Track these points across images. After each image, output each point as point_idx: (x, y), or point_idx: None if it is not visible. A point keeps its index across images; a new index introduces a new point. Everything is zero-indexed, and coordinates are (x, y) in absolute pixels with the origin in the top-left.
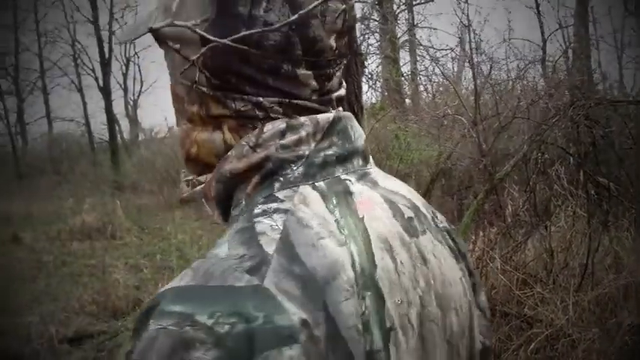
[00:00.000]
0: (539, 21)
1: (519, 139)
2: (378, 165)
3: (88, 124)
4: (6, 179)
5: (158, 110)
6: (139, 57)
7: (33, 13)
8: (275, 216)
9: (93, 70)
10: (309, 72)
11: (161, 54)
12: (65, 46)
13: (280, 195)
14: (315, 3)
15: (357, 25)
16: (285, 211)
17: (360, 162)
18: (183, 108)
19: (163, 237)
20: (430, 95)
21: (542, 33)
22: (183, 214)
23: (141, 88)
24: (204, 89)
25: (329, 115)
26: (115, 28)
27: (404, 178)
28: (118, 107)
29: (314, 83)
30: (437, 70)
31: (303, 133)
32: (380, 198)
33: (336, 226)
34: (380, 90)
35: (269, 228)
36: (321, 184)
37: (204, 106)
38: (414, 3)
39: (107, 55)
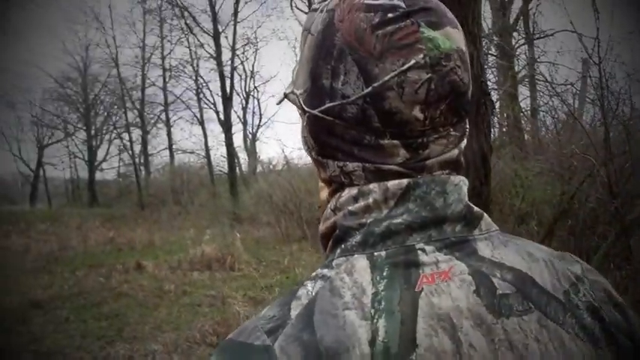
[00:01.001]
0: None
1: None
2: (498, 205)
3: (208, 156)
4: (130, 208)
5: (276, 143)
6: (258, 91)
7: (159, 50)
8: (317, 282)
9: (214, 104)
10: (396, 142)
11: (279, 88)
12: (188, 80)
13: (335, 262)
14: (389, 76)
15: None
16: (326, 279)
17: (458, 228)
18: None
19: (281, 270)
20: (551, 132)
21: None
22: (301, 247)
23: (260, 121)
24: (313, 154)
25: (402, 181)
26: (236, 63)
27: (524, 217)
28: (238, 140)
29: (403, 152)
30: (557, 105)
31: (370, 200)
32: (465, 270)
33: (372, 299)
34: (498, 126)
35: (305, 293)
36: (381, 253)
37: (318, 169)
38: (534, 37)
39: (228, 90)
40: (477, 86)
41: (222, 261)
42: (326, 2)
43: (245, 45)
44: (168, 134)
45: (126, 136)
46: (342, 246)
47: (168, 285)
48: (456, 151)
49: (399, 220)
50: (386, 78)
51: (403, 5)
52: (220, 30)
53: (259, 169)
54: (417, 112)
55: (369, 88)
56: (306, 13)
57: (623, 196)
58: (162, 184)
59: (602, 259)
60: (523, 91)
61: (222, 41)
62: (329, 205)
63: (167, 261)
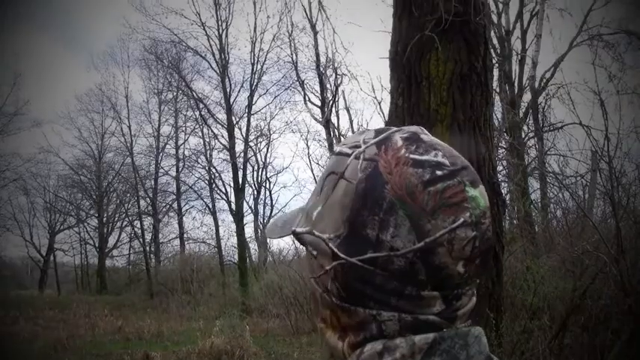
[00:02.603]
0: None
1: None
2: (510, 299)
3: (219, 246)
4: (139, 297)
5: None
6: (270, 182)
7: (174, 140)
8: None
9: (226, 194)
10: (436, 293)
11: (291, 179)
12: (201, 170)
13: None
14: (441, 232)
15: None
16: None
17: None
18: (317, 309)
19: None
20: (562, 226)
21: None
22: (310, 340)
23: (271, 212)
24: (334, 299)
25: (429, 336)
26: (249, 154)
27: (537, 312)
28: (249, 230)
29: (440, 302)
30: (567, 198)
31: (398, 355)
32: None
33: None
34: (509, 219)
35: None
36: None
37: (335, 314)
38: (544, 131)
39: (241, 181)
40: (489, 187)
41: (232, 353)
42: (360, 149)
43: (258, 137)
44: (180, 223)
45: (137, 223)
46: None
47: None
48: (474, 299)
49: None
50: (438, 234)
51: (447, 163)
52: (234, 122)
53: (269, 259)
54: (460, 267)
55: (421, 243)
56: (318, 106)
57: (636, 293)
58: (172, 273)
59: (616, 357)
60: (533, 184)
61: (236, 132)
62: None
63: (175, 352)
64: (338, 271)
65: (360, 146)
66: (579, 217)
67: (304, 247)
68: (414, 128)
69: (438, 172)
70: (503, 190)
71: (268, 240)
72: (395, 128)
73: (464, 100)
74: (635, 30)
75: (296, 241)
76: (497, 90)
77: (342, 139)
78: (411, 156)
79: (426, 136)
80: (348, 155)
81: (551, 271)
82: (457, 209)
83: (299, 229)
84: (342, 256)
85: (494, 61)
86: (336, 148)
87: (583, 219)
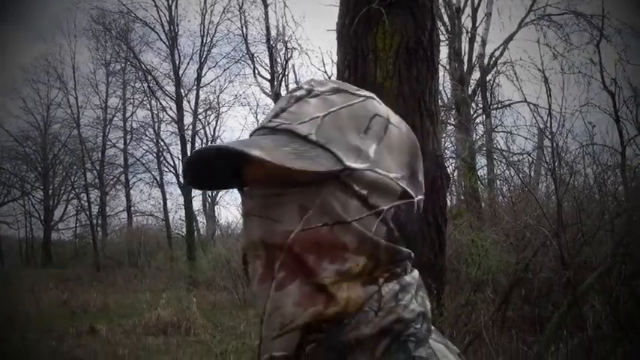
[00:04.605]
0: (617, 126)
1: (602, 251)
2: (455, 272)
3: (166, 219)
4: (85, 270)
5: (235, 208)
6: None
7: (121, 112)
8: None
9: (174, 167)
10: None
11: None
12: (149, 143)
13: (421, 353)
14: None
15: None
16: None
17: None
18: (340, 256)
19: (237, 335)
20: (508, 200)
21: (621, 138)
22: (257, 313)
23: None
24: (382, 240)
25: (416, 273)
26: (198, 127)
27: (481, 285)
28: (197, 204)
29: (408, 253)
30: (513, 174)
31: (412, 291)
32: None
33: None
34: (456, 194)
35: None
36: (434, 336)
37: (374, 257)
38: (492, 108)
39: (189, 154)
40: (433, 161)
41: (178, 326)
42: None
43: (207, 110)
44: (127, 196)
45: (84, 196)
46: (413, 338)
47: (121, 350)
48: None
49: (428, 305)
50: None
51: None
52: (183, 94)
53: (218, 233)
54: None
55: (421, 194)
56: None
57: (575, 266)
58: (119, 246)
59: (555, 328)
60: (481, 161)
61: (185, 105)
62: (367, 308)
63: (121, 325)
64: (401, 210)
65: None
66: (524, 192)
67: (339, 186)
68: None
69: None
70: (451, 166)
71: (216, 213)
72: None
73: (409, 73)
74: (582, 11)
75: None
76: (447, 67)
77: None
78: None
79: None
80: (378, 101)
81: (495, 245)
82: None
83: (355, 165)
84: (412, 194)
85: (444, 38)
86: (355, 91)
87: (527, 195)
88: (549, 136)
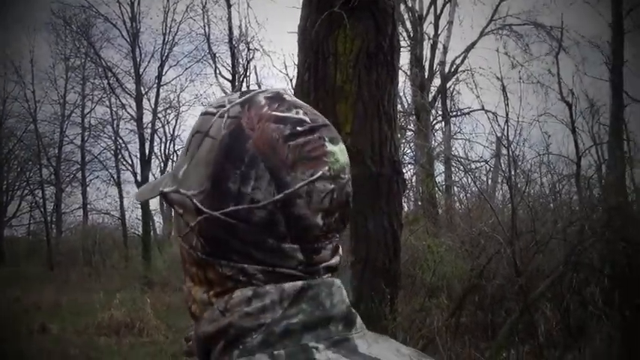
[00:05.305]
0: (573, 137)
1: (554, 259)
2: (410, 277)
3: (123, 217)
4: (38, 268)
5: None
6: (177, 154)
7: (80, 108)
8: None
9: (132, 166)
10: (296, 246)
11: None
12: (107, 140)
13: None
14: (300, 184)
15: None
16: None
17: (340, 328)
18: (185, 267)
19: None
20: (464, 207)
21: (577, 149)
22: None
23: None
24: (199, 254)
25: (297, 284)
26: (157, 126)
27: (435, 291)
28: (154, 203)
29: (300, 256)
30: (471, 182)
31: (267, 300)
32: None
33: None
34: (414, 200)
35: None
36: (280, 352)
37: (202, 269)
38: (450, 115)
39: (147, 152)
40: (390, 166)
41: (131, 326)
42: (224, 108)
43: (167, 108)
44: (83, 193)
45: (39, 192)
46: (241, 347)
47: (73, 349)
48: (338, 258)
49: (295, 320)
50: (297, 186)
51: (308, 120)
52: (143, 92)
53: (174, 233)
54: (318, 219)
55: (281, 195)
56: (229, 80)
57: (527, 273)
58: (73, 244)
59: (507, 334)
60: (439, 167)
61: (145, 103)
62: (215, 307)
63: (74, 324)
64: (202, 225)
65: (225, 106)
66: (480, 200)
67: (172, 208)
68: (278, 89)
69: (299, 128)
70: (409, 172)
71: (173, 213)
72: (260, 89)
73: (369, 78)
74: (542, 22)
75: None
76: (409, 73)
77: None
78: (274, 113)
79: (289, 96)
80: (214, 114)
81: (450, 251)
82: (316, 163)
83: (166, 189)
84: (205, 210)
85: (406, 44)
86: (203, 109)
87: (483, 202)
88: (506, 145)
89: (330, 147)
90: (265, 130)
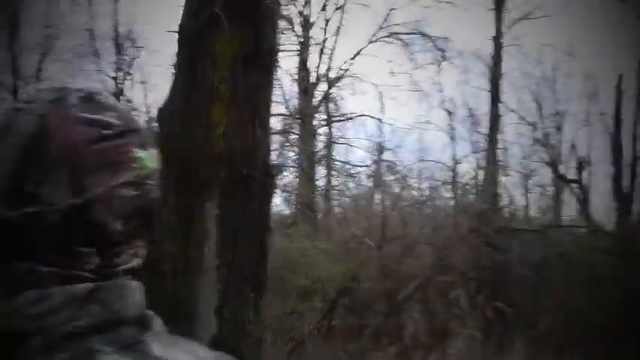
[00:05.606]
0: (452, 144)
1: (422, 262)
2: (281, 280)
3: None
4: None
5: None
6: None
7: None
8: None
9: None
10: (92, 249)
11: None
12: None
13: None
14: (100, 189)
15: (277, 138)
16: None
17: (134, 330)
18: None
19: None
20: (341, 213)
21: (455, 156)
22: None
23: None
24: None
25: (88, 286)
26: None
27: (310, 294)
28: None
29: (96, 259)
30: (351, 186)
31: (52, 303)
32: None
33: None
34: (294, 203)
35: None
36: (63, 356)
37: None
38: (333, 120)
39: None
40: (262, 169)
41: None
42: (32, 105)
43: None
44: None
45: None
46: (23, 351)
47: None
48: (140, 260)
49: (81, 323)
50: (96, 191)
51: (118, 124)
52: (21, 87)
53: None
54: (118, 225)
55: (78, 199)
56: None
57: (394, 277)
58: None
59: (374, 336)
60: (321, 171)
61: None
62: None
63: None
64: None
65: (34, 102)
66: (357, 204)
67: None
68: (93, 89)
69: (105, 132)
70: (291, 176)
71: None
72: (76, 89)
73: (245, 81)
74: (428, 33)
75: None
76: (296, 77)
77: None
78: (82, 115)
79: (103, 97)
80: (21, 110)
81: (325, 254)
82: (120, 168)
83: None
84: None
85: (296, 48)
86: (12, 104)
87: (360, 207)
88: (380, 150)
89: (137, 153)
90: (70, 131)
